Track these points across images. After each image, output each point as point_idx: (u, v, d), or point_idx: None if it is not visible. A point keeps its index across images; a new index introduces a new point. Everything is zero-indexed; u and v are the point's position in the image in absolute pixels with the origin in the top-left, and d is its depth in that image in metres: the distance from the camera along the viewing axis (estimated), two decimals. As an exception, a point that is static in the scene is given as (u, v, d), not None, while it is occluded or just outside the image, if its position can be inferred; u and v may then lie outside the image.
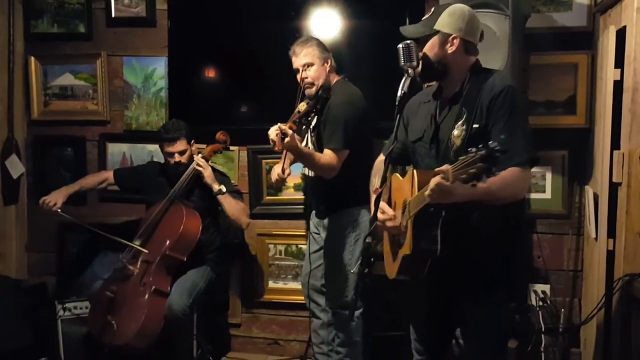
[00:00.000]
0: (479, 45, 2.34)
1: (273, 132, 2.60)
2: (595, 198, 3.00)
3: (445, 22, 2.07)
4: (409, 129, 2.28)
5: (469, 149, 1.64)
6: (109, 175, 3.51)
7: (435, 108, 2.16)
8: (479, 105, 2.00)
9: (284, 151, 2.81)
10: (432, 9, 2.15)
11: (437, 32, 2.08)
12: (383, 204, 2.15)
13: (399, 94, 2.09)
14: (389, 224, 2.11)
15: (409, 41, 2.09)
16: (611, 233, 2.78)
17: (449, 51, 2.07)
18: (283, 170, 2.86)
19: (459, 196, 1.79)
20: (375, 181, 2.31)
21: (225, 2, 3.65)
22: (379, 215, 2.13)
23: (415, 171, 2.03)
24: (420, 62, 2.09)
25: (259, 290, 3.78)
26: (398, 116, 2.13)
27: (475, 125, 1.98)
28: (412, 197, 1.99)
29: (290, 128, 2.66)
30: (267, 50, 3.56)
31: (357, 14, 3.44)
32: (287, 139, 2.59)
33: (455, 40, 2.06)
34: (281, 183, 2.94)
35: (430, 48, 2.09)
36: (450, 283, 2.10)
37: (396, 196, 2.22)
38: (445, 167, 1.74)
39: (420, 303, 2.31)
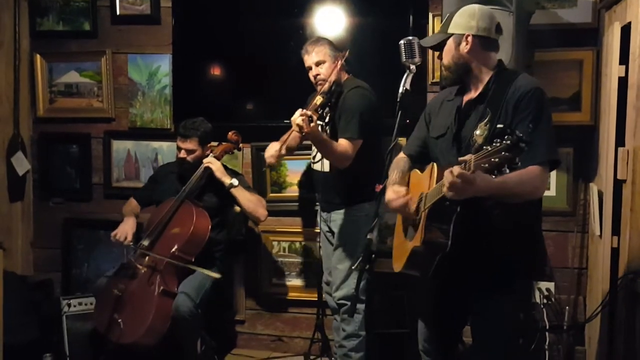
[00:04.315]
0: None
1: (299, 117, 2.63)
2: (600, 195, 2.99)
3: (457, 23, 2.10)
4: (430, 126, 2.28)
5: (494, 140, 1.64)
6: (134, 201, 3.49)
7: (460, 105, 2.17)
8: (504, 105, 2.01)
9: (286, 134, 2.87)
10: (447, 16, 2.16)
11: (451, 35, 2.10)
12: (396, 187, 2.16)
13: (400, 90, 2.10)
14: (399, 201, 2.12)
15: (410, 37, 2.10)
16: (616, 230, 2.77)
17: (465, 50, 2.08)
18: (280, 149, 2.94)
19: (478, 187, 1.77)
20: (394, 176, 2.31)
21: (230, 0, 3.65)
22: (390, 194, 2.14)
23: (435, 165, 2.05)
24: (442, 68, 2.12)
25: (263, 287, 3.79)
26: (399, 113, 2.14)
27: (499, 126, 1.98)
28: (429, 190, 2.00)
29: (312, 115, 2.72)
30: (271, 47, 3.57)
31: (360, 11, 3.43)
32: (313, 124, 2.65)
33: (469, 38, 2.08)
34: (274, 160, 2.99)
35: (448, 52, 2.12)
36: (466, 280, 2.10)
37: (414, 191, 2.22)
38: (467, 157, 1.74)
39: (431, 302, 2.32)
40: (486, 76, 2.10)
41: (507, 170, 1.63)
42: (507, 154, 1.59)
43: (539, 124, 1.95)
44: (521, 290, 2.18)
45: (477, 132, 2.03)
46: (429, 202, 1.96)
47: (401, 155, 2.40)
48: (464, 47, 2.08)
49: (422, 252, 2.00)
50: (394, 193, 2.15)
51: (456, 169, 1.74)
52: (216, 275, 3.06)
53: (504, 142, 1.59)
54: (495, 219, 2.01)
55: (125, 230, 3.24)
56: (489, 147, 1.65)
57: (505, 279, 2.07)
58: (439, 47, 2.15)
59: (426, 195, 2.01)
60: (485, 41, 2.10)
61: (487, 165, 1.64)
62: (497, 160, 1.61)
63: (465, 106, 2.15)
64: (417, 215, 2.07)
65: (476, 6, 2.13)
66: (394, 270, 2.26)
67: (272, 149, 2.99)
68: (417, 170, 2.25)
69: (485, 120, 2.02)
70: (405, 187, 2.19)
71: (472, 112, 2.10)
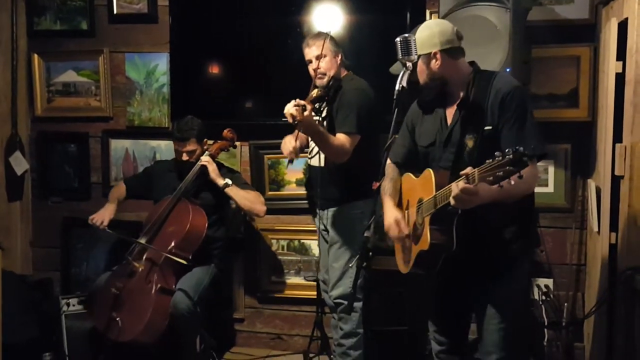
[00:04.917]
0: (480, 39, 2.36)
1: (291, 106, 2.62)
2: (598, 191, 2.99)
3: (419, 44, 2.14)
4: (416, 135, 2.33)
5: (496, 153, 1.72)
6: (124, 186, 3.52)
7: (444, 113, 2.22)
8: (488, 107, 2.07)
9: (295, 132, 2.81)
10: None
11: (419, 56, 2.15)
12: (399, 219, 2.22)
13: (397, 87, 2.12)
14: (399, 243, 2.24)
15: (407, 34, 2.11)
16: (614, 226, 2.77)
17: (436, 67, 2.15)
18: (296, 141, 2.85)
19: (481, 198, 1.88)
20: (387, 185, 2.38)
21: (227, -2, 3.66)
22: (394, 230, 2.22)
23: (432, 171, 2.12)
24: (421, 89, 2.21)
25: (262, 285, 3.79)
26: (396, 110, 2.14)
27: (487, 128, 2.06)
28: (429, 196, 2.07)
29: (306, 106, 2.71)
30: (269, 45, 3.57)
31: (358, 9, 3.43)
32: (306, 112, 2.63)
33: (437, 55, 2.13)
34: (295, 154, 2.84)
35: (421, 72, 2.18)
36: (467, 277, 2.18)
37: (409, 195, 2.29)
38: (468, 169, 1.82)
39: (435, 300, 2.38)
40: (464, 82, 2.16)
41: (512, 182, 1.71)
42: (511, 168, 1.67)
43: (525, 122, 2.04)
44: (521, 282, 2.24)
45: (467, 135, 2.09)
46: (431, 208, 2.04)
47: (388, 162, 2.46)
48: (435, 64, 2.14)
49: (429, 254, 2.08)
50: (396, 226, 2.22)
51: (461, 184, 1.84)
52: (183, 261, 3.07)
53: (507, 156, 1.67)
54: (494, 218, 2.07)
55: (103, 215, 3.28)
56: (491, 160, 1.72)
57: (504, 274, 2.14)
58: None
59: (434, 199, 2.05)
60: (452, 51, 2.15)
61: (491, 178, 1.73)
62: (501, 174, 1.70)
63: (449, 112, 2.20)
64: (420, 220, 2.14)
65: (431, 22, 2.22)
66: (402, 271, 2.31)
67: (289, 145, 2.85)
68: (411, 175, 2.31)
69: (473, 124, 2.08)
70: (404, 218, 2.25)
71: (458, 117, 2.15)
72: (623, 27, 2.69)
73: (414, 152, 2.35)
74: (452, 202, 1.89)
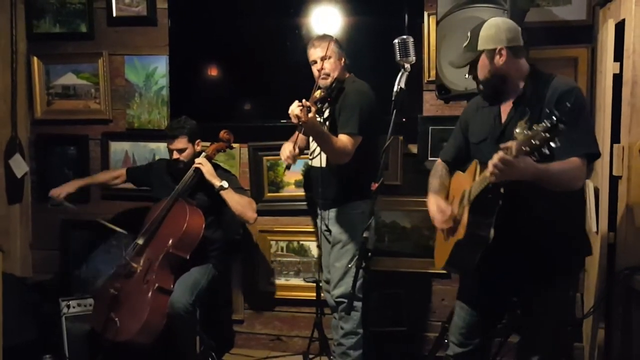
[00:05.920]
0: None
1: (296, 106, 2.62)
2: (596, 192, 3.00)
3: (486, 39, 2.16)
4: (469, 133, 2.35)
5: (533, 125, 1.72)
6: (122, 172, 3.59)
7: (498, 110, 2.23)
8: (544, 106, 2.07)
9: (295, 134, 2.85)
10: (469, 34, 2.22)
11: (482, 51, 2.16)
12: (442, 204, 2.22)
13: (395, 89, 2.12)
14: (444, 225, 2.20)
15: (405, 36, 2.12)
16: (612, 227, 2.78)
17: (500, 63, 2.15)
18: (294, 148, 2.90)
19: (520, 170, 1.85)
20: (434, 183, 2.38)
21: (226, 0, 3.66)
22: (438, 215, 2.20)
23: (476, 162, 2.12)
24: (479, 84, 2.20)
25: (261, 286, 3.80)
26: (394, 111, 2.15)
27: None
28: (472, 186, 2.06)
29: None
30: (268, 47, 3.58)
31: (356, 10, 3.44)
32: (310, 114, 2.63)
33: (502, 51, 2.14)
34: (292, 160, 2.89)
35: (483, 67, 2.18)
36: (509, 272, 2.17)
37: (455, 191, 2.29)
38: (509, 143, 1.82)
39: (475, 289, 2.34)
40: (522, 81, 2.18)
41: (547, 152, 1.70)
42: (546, 134, 1.67)
43: (579, 119, 2.02)
44: (563, 285, 2.22)
45: (517, 130, 2.08)
46: (473, 194, 2.03)
47: (438, 161, 2.47)
48: (499, 60, 2.15)
49: (466, 245, 2.06)
50: (440, 213, 2.21)
51: (499, 154, 1.83)
52: (123, 231, 3.13)
53: (543, 124, 1.68)
54: (537, 212, 2.07)
55: (62, 188, 3.39)
56: (529, 132, 1.73)
57: (546, 274, 2.13)
58: (467, 65, 2.22)
59: (475, 185, 2.06)
60: (516, 50, 2.17)
61: (527, 148, 1.73)
62: (537, 143, 1.70)
63: (504, 110, 2.21)
64: (461, 211, 2.14)
65: (499, 19, 2.22)
66: (436, 267, 2.30)
67: (287, 150, 2.92)
68: (460, 172, 2.32)
69: (525, 119, 2.05)
70: (447, 203, 2.25)
71: (511, 114, 2.17)
72: (620, 28, 2.71)
73: (465, 150, 2.36)
74: (490, 170, 1.87)
